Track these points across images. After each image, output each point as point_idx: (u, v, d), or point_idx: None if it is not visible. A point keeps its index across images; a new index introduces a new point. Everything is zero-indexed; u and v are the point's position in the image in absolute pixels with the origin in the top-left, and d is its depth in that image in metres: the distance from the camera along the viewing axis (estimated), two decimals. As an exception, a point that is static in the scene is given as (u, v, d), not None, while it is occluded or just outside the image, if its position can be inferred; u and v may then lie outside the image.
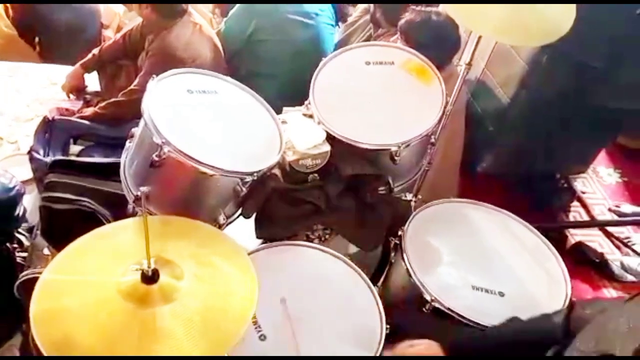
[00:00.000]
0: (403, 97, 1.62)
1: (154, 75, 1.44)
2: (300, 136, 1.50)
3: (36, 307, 1.00)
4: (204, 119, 1.44)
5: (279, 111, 1.62)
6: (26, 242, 1.87)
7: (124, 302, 0.99)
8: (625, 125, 2.44)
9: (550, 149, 2.39)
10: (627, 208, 2.63)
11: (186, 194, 1.42)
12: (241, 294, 1.07)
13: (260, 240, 1.56)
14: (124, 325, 0.98)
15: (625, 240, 2.47)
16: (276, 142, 1.50)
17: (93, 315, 0.99)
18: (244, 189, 1.42)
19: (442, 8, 1.95)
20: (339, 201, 1.58)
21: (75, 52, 2.74)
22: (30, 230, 1.91)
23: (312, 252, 1.47)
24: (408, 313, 1.46)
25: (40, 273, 1.08)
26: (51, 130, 2.32)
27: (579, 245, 2.38)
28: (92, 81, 2.71)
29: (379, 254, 1.73)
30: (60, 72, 2.76)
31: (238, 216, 1.53)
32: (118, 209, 1.71)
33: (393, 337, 1.30)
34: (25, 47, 2.98)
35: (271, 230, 1.55)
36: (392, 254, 1.60)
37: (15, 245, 1.84)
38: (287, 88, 2.33)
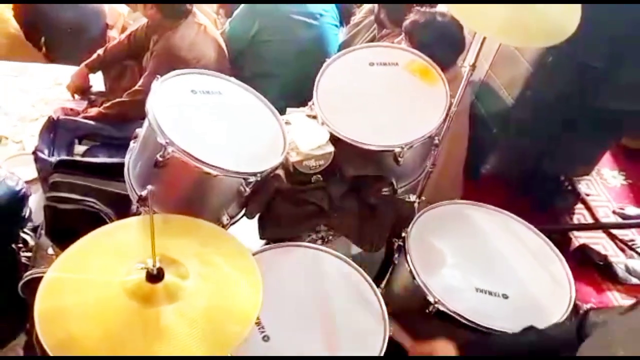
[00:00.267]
0: (407, 98, 1.61)
1: (158, 76, 1.44)
2: (303, 137, 1.50)
3: (41, 305, 1.00)
4: (207, 119, 1.44)
5: (282, 112, 1.62)
6: (31, 242, 1.87)
7: (128, 300, 0.99)
8: (626, 125, 2.43)
9: (554, 151, 2.39)
10: (632, 210, 2.62)
11: (190, 194, 1.42)
12: (246, 294, 1.07)
13: (263, 241, 1.56)
14: (128, 324, 0.98)
15: (630, 243, 2.46)
16: (280, 142, 1.49)
17: (97, 313, 0.99)
18: (247, 189, 1.42)
19: (447, 9, 1.94)
20: (343, 202, 1.58)
21: (80, 52, 2.75)
22: (34, 230, 1.91)
23: (315, 253, 1.47)
24: (411, 314, 1.46)
25: (44, 273, 1.07)
26: (56, 130, 2.32)
27: (583, 247, 2.37)
28: (97, 81, 2.72)
29: (382, 255, 1.73)
30: (65, 73, 2.76)
31: (241, 217, 1.53)
32: (122, 209, 1.72)
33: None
34: (32, 48, 3.00)
35: (274, 231, 1.55)
36: (396, 256, 1.59)
37: (20, 245, 1.85)
38: (291, 89, 2.33)
